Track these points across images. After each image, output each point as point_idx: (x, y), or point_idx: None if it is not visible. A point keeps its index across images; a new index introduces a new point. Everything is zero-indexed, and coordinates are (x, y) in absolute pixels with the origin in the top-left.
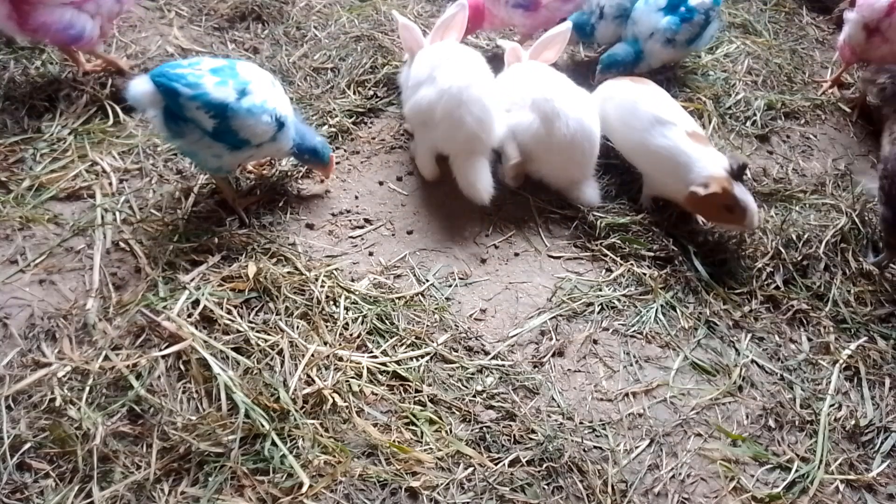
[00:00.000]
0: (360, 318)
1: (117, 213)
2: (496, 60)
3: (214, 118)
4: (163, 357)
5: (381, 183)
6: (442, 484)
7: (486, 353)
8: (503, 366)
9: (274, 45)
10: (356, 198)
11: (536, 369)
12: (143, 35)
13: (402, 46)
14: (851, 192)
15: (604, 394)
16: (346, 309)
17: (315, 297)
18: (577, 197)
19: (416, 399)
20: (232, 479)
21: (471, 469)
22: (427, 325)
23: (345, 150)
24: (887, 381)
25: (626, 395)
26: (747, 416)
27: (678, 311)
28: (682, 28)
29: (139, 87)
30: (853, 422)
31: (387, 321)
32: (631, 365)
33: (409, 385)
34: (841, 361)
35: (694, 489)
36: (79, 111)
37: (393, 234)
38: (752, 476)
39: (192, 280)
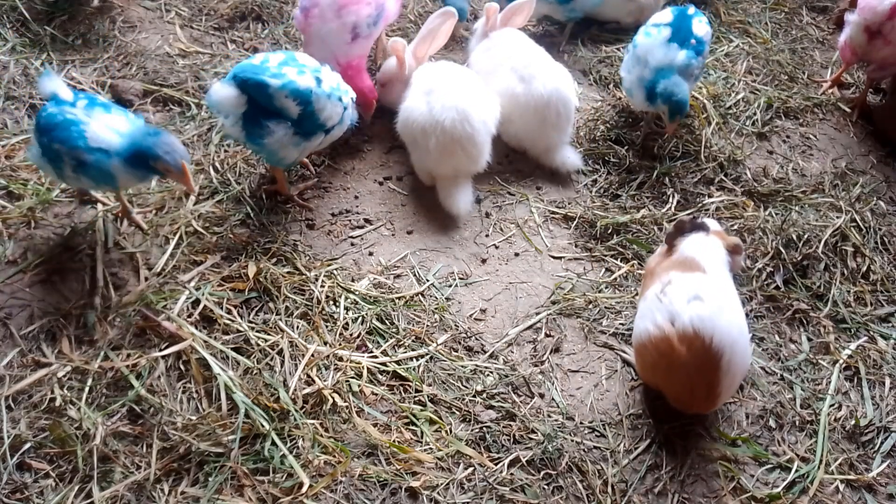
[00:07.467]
0: (360, 318)
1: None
2: None
3: (300, 105)
4: (163, 357)
5: (381, 183)
6: (442, 484)
7: (486, 353)
8: (503, 366)
9: (274, 45)
10: (356, 198)
11: (536, 368)
12: (143, 35)
13: None
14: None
15: (603, 393)
16: (346, 309)
17: (315, 297)
18: (562, 163)
19: (416, 399)
20: (232, 479)
21: (471, 469)
22: (427, 325)
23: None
24: (887, 381)
25: (626, 394)
26: (747, 417)
27: None
28: (699, 62)
29: (220, 92)
30: (853, 422)
31: (387, 321)
32: (631, 365)
33: (408, 385)
34: (841, 361)
35: (694, 489)
36: None
37: (393, 234)
38: (752, 476)
39: (191, 280)
